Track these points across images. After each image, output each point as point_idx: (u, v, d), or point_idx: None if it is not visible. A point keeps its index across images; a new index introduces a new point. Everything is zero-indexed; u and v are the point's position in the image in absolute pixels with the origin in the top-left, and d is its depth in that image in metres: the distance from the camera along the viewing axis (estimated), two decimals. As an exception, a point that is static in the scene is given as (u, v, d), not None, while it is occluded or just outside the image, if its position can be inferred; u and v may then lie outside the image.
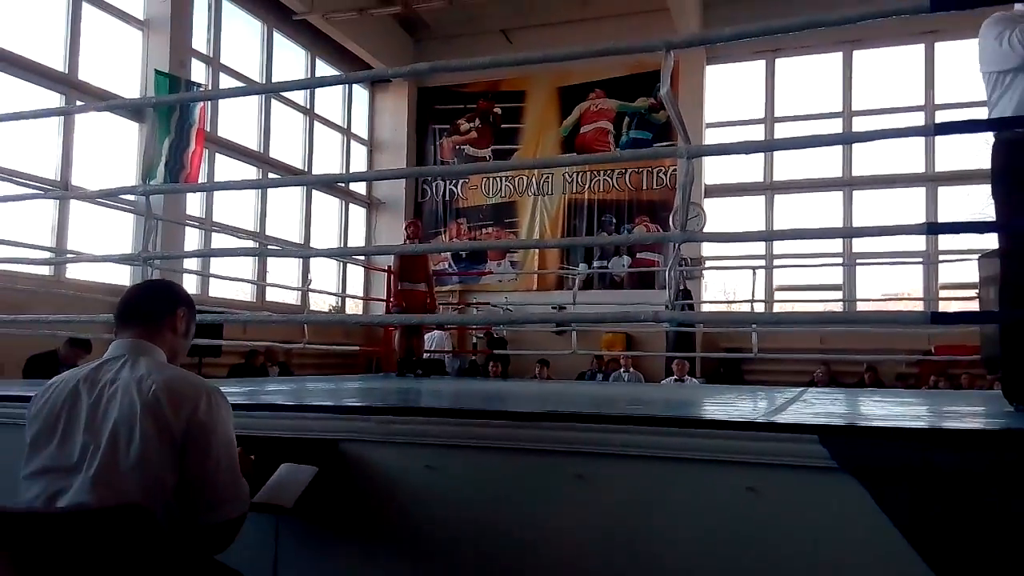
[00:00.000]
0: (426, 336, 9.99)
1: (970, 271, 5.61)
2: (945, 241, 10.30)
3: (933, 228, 2.74)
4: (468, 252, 12.79)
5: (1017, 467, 1.74)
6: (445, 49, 12.57)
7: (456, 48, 12.42)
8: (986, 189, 2.95)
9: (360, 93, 13.26)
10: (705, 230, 10.91)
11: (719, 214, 11.56)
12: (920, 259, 10.00)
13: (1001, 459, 1.76)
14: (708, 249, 11.51)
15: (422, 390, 4.26)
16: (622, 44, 3.10)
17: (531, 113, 12.71)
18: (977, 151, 10.94)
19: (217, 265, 9.35)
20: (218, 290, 9.84)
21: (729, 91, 11.99)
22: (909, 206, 10.89)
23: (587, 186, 12.20)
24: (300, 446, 2.31)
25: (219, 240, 9.98)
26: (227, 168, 10.25)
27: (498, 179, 12.70)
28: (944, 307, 10.13)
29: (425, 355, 10.10)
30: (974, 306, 5.55)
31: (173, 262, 7.53)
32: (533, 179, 12.47)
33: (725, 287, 12.40)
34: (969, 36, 10.96)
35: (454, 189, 13.00)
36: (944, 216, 10.58)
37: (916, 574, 1.75)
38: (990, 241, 5.73)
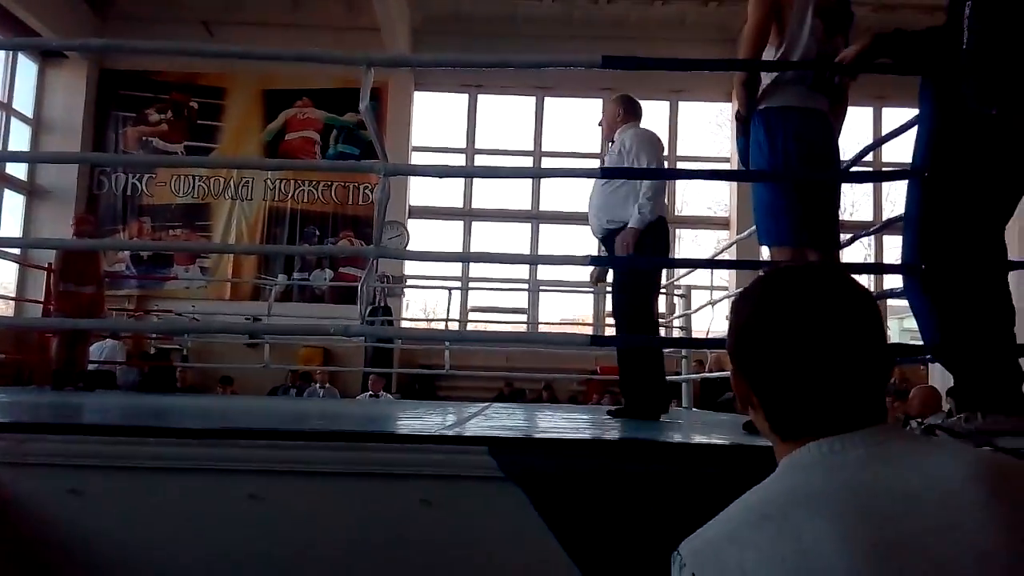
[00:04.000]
0: (95, 345, 8.89)
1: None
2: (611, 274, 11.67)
3: (595, 260, 3.10)
4: (150, 254, 11.64)
5: (654, 473, 2.00)
6: (136, 32, 11.37)
7: (149, 34, 11.27)
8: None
9: (27, 65, 11.47)
10: (407, 249, 11.15)
11: (424, 235, 11.89)
12: (590, 289, 11.17)
13: (644, 466, 2.02)
14: (411, 268, 11.76)
15: (77, 405, 3.78)
16: (326, 53, 3.10)
17: (232, 112, 12.00)
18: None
19: None
20: None
21: (436, 119, 12.43)
22: (582, 242, 12.16)
23: (290, 195, 11.81)
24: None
25: None
26: None
27: (191, 177, 11.75)
28: (610, 332, 11.42)
29: (92, 366, 8.98)
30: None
31: None
32: (231, 181, 11.75)
33: (426, 306, 12.76)
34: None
35: (137, 184, 11.77)
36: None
37: (567, 572, 1.94)
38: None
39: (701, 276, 9.31)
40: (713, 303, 5.94)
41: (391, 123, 11.43)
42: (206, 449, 1.99)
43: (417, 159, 12.07)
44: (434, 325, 12.19)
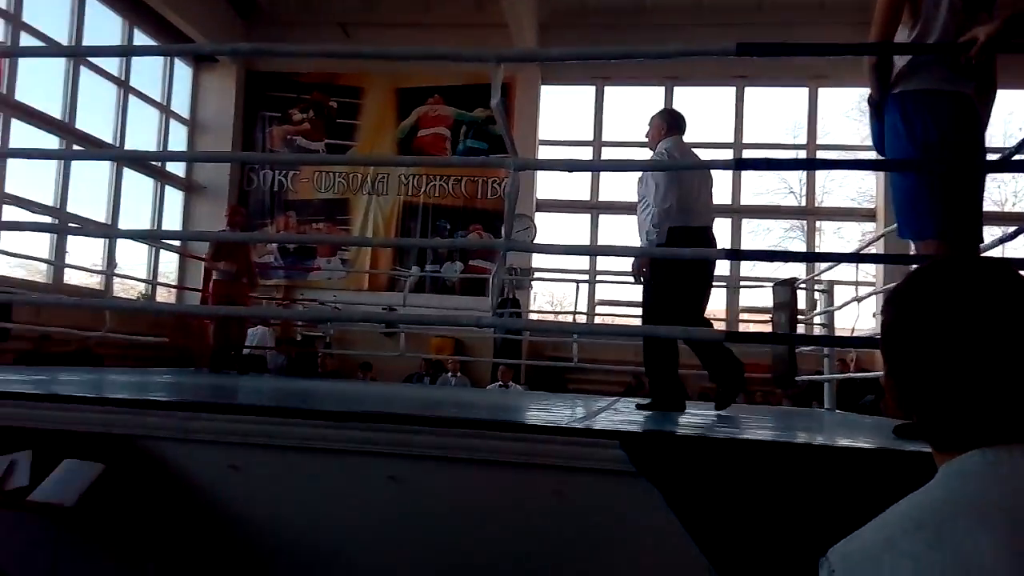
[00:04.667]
0: (249, 331, 9.53)
1: (766, 296, 6.18)
2: (746, 268, 11.27)
3: (733, 254, 2.99)
4: (296, 246, 12.34)
5: (792, 474, 1.93)
6: (279, 35, 12.05)
7: (291, 36, 11.96)
8: (782, 223, 3.41)
9: (183, 70, 12.42)
10: (535, 242, 11.24)
11: (551, 228, 11.95)
12: (724, 283, 10.85)
13: (775, 467, 1.96)
14: (538, 261, 11.85)
15: (233, 386, 4.06)
16: (456, 51, 3.17)
17: (368, 111, 12.50)
18: (778, 190, 12.10)
19: (7, 240, 8.39)
20: (7, 269, 8.85)
21: (562, 112, 12.44)
22: (716, 234, 11.82)
23: (423, 190, 12.18)
24: (88, 441, 2.13)
25: (10, 213, 8.98)
26: (25, 137, 9.23)
27: (331, 174, 12.36)
28: (744, 328, 11.06)
29: (246, 351, 9.64)
30: (768, 329, 6.11)
31: (-50, 235, 6.69)
32: (368, 177, 12.26)
33: (553, 298, 12.82)
34: (774, 84, 12.02)
35: (283, 180, 12.51)
36: (746, 246, 11.58)
37: (698, 568, 1.91)
38: (784, 270, 6.31)
39: (845, 271, 8.84)
40: (859, 299, 5.62)
41: (518, 117, 11.54)
42: (350, 432, 2.10)
43: (544, 153, 12.13)
44: (562, 318, 12.22)
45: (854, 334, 6.05)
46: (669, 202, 3.71)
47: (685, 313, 3.73)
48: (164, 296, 12.11)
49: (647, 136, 4.19)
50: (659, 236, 3.73)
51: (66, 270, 9.75)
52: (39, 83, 9.59)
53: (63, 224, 9.68)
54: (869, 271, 10.41)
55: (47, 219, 9.61)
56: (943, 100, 2.45)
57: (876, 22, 2.52)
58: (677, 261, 3.64)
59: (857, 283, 9.17)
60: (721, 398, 3.93)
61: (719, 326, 11.64)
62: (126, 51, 9.38)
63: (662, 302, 3.78)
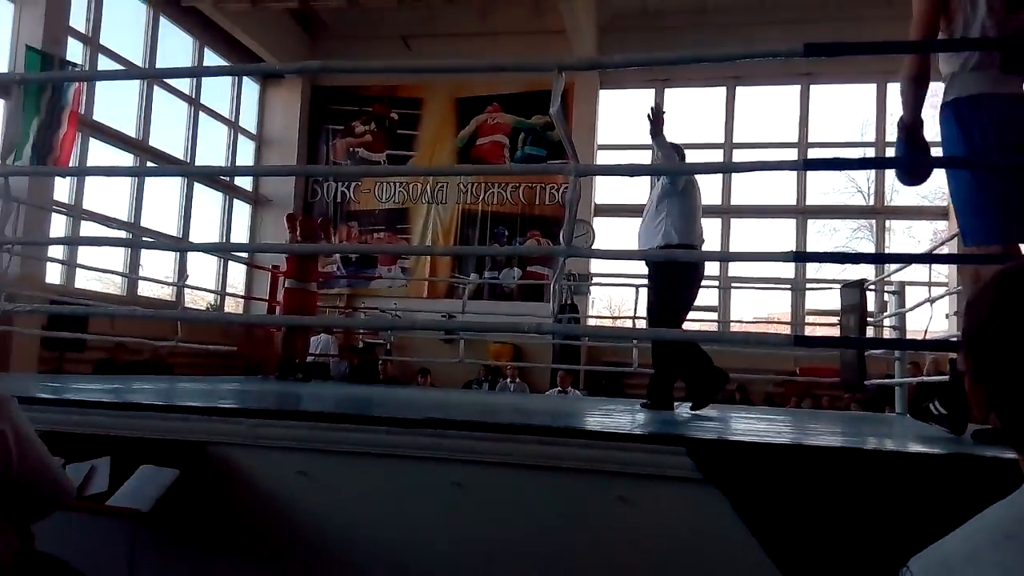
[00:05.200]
0: (312, 339, 9.73)
1: (833, 299, 6.02)
2: (812, 269, 10.98)
3: (799, 256, 2.91)
4: (358, 256, 12.57)
5: (866, 483, 1.87)
6: (342, 50, 12.34)
7: (354, 50, 12.22)
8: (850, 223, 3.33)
9: (250, 87, 12.82)
10: (594, 248, 11.18)
11: (608, 233, 11.87)
12: (789, 286, 10.61)
13: (844, 473, 1.90)
14: (596, 266, 11.79)
15: (299, 393, 4.15)
16: (517, 62, 3.19)
17: (428, 121, 12.66)
18: (845, 189, 11.77)
19: (85, 255, 8.77)
20: (85, 282, 9.25)
21: (621, 116, 12.36)
22: (780, 235, 11.56)
23: (481, 197, 12.27)
24: (163, 448, 2.20)
25: (88, 229, 9.39)
26: (102, 155, 9.66)
27: (392, 184, 12.57)
28: (809, 332, 10.78)
29: (309, 358, 9.84)
30: (837, 331, 5.95)
31: (36, 249, 7.04)
32: (427, 187, 12.41)
33: (611, 303, 12.74)
34: (840, 80, 11.71)
35: (346, 191, 12.76)
36: (811, 248, 11.29)
37: (768, 577, 1.86)
38: (852, 272, 6.14)
39: (916, 271, 8.53)
40: (931, 301, 5.41)
41: (576, 122, 11.52)
42: (417, 438, 2.12)
43: (602, 157, 12.07)
44: (620, 323, 12.12)
45: (927, 336, 5.83)
46: (677, 220, 4.08)
47: (680, 318, 4.18)
48: (232, 306, 12.46)
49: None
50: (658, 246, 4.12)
51: (139, 282, 10.13)
52: (115, 103, 10.01)
53: (137, 238, 10.06)
54: (942, 271, 10.03)
55: (123, 233, 10.01)
56: (997, 103, 2.36)
57: (915, 27, 2.45)
58: (682, 273, 4.03)
59: (930, 283, 8.85)
60: (699, 398, 4.17)
61: (785, 329, 11.39)
62: (197, 72, 9.72)
63: (669, 308, 4.12)
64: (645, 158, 12.15)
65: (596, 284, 11.68)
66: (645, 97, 12.18)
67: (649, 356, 4.41)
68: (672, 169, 4.07)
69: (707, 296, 11.17)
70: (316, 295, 7.06)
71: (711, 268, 11.12)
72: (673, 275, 4.02)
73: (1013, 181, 2.32)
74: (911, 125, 2.50)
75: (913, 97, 2.47)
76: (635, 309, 9.57)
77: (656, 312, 4.27)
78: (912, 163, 2.58)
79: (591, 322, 11.73)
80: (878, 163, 9.89)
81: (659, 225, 4.14)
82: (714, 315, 11.02)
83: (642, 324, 10.28)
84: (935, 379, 6.82)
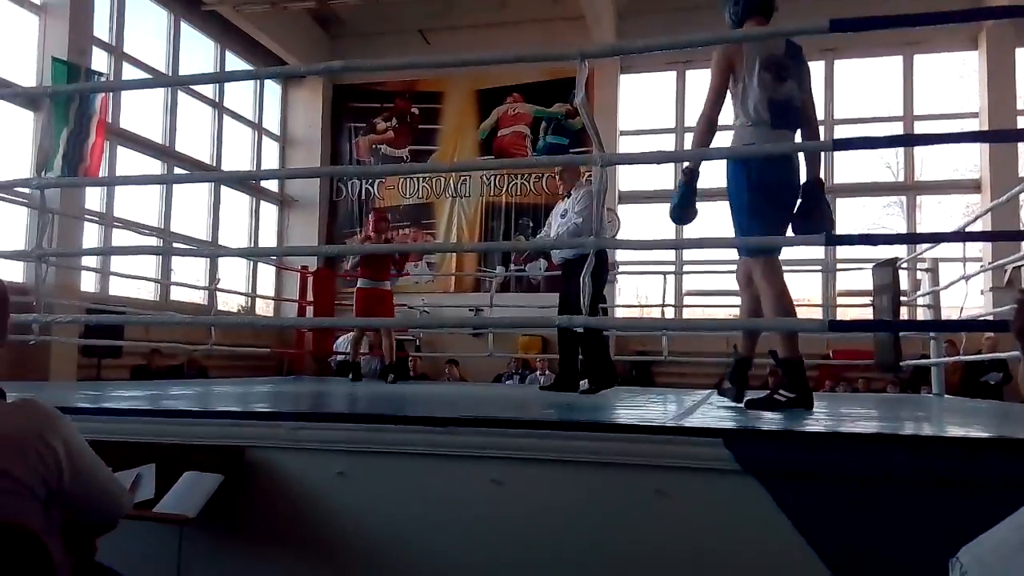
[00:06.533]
0: (342, 337, 9.80)
1: (865, 279, 5.93)
2: (842, 250, 10.83)
3: (831, 239, 2.89)
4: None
5: (911, 470, 1.84)
6: (361, 46, 12.38)
7: (373, 46, 12.25)
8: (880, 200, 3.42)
9: (272, 88, 12.91)
10: (619, 236, 11.11)
11: (633, 220, 11.79)
12: (819, 267, 10.47)
13: (894, 460, 1.87)
14: (622, 255, 11.72)
15: (337, 394, 4.19)
16: (538, 52, 3.23)
17: (449, 114, 12.66)
18: (873, 165, 11.58)
19: (118, 263, 8.93)
20: (119, 288, 9.40)
21: (643, 100, 12.26)
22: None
23: (504, 189, 12.26)
24: (205, 453, 2.23)
25: (120, 236, 9.54)
26: (130, 161, 9.80)
27: (416, 180, 12.60)
28: (841, 313, 10.63)
29: (341, 357, 9.92)
30: (869, 312, 5.86)
31: (70, 259, 7.16)
32: (451, 181, 12.43)
33: (638, 291, 12.66)
34: (866, 55, 11.47)
35: (370, 188, 12.83)
36: (841, 227, 11.12)
37: (814, 572, 1.84)
38: (883, 250, 6.06)
39: (950, 248, 8.36)
40: (966, 278, 5.31)
41: (598, 109, 11.42)
42: (452, 436, 2.13)
43: (624, 143, 11.98)
44: (647, 312, 12.05)
45: (963, 315, 5.73)
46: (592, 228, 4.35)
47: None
48: (262, 308, 12.60)
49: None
50: (573, 253, 4.91)
51: (172, 286, 10.28)
52: (141, 110, 10.13)
53: (169, 245, 10.21)
54: (976, 247, 9.84)
55: (154, 239, 10.15)
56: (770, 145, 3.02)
57: (708, 102, 3.14)
58: (602, 264, 4.59)
59: (965, 259, 8.68)
60: (600, 381, 4.67)
61: (815, 312, 11.27)
62: (219, 78, 9.83)
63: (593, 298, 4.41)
64: (668, 143, 12.10)
65: (623, 272, 11.61)
66: (667, 79, 12.07)
67: (681, 344, 4.56)
68: (700, 155, 4.02)
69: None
70: (391, 293, 6.92)
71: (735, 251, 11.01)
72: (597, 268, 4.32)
73: (772, 211, 3.03)
74: (694, 171, 3.16)
75: (699, 147, 3.17)
76: (663, 297, 9.53)
77: (572, 301, 4.69)
78: (687, 203, 3.23)
79: (619, 312, 11.67)
80: (908, 140, 9.72)
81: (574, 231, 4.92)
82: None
83: (670, 313, 10.27)
84: (973, 358, 6.72)
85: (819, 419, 2.78)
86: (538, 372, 9.97)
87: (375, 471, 2.19)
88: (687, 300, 10.42)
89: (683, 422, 2.41)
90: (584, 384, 4.91)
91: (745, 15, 3.12)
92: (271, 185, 12.79)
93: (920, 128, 10.92)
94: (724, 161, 3.22)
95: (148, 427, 2.37)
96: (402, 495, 2.15)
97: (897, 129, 11.01)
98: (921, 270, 6.02)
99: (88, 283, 8.99)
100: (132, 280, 9.43)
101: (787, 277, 3.22)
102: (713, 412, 2.98)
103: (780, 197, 3.06)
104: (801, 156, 3.14)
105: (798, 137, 3.18)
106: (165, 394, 3.64)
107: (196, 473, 2.13)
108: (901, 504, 1.81)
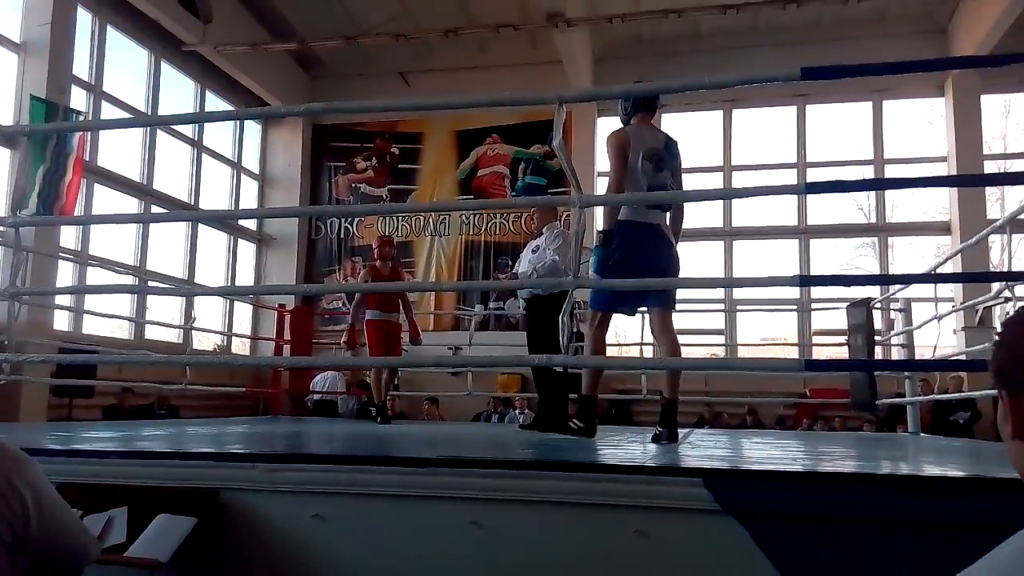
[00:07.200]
0: (319, 376, 9.70)
1: (840, 318, 6.00)
2: (816, 289, 10.98)
3: (805, 281, 2.93)
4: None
5: (886, 507, 1.86)
6: (342, 87, 12.50)
7: (353, 87, 12.37)
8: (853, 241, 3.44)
9: (252, 127, 12.95)
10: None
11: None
12: (794, 306, 10.59)
13: (873, 500, 1.88)
14: (600, 293, 11.77)
15: (312, 435, 4.14)
16: (517, 95, 3.34)
17: (428, 154, 12.76)
18: (845, 208, 11.80)
19: (92, 301, 8.82)
20: (93, 327, 9.27)
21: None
22: (784, 255, 11.57)
23: (484, 228, 12.33)
24: (178, 496, 2.19)
25: (95, 274, 9.43)
26: (107, 200, 9.74)
27: (395, 219, 12.64)
28: (816, 351, 10.73)
29: (317, 396, 9.81)
30: (845, 351, 5.92)
31: (44, 297, 7.06)
32: (430, 220, 12.48)
33: (616, 330, 12.69)
34: (837, 100, 11.79)
35: (349, 227, 12.83)
36: (815, 267, 11.29)
37: (792, 611, 1.83)
38: (857, 290, 6.15)
39: (922, 288, 8.51)
40: (939, 317, 5.40)
41: (576, 151, 11.59)
42: (431, 478, 2.11)
43: (602, 184, 12.11)
44: (627, 350, 12.08)
45: (936, 354, 5.81)
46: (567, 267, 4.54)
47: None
48: (239, 347, 12.46)
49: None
50: (545, 289, 5.13)
51: (147, 325, 10.15)
52: (119, 148, 10.11)
53: (144, 284, 10.10)
54: (948, 287, 10.02)
55: (129, 278, 10.04)
56: (634, 227, 3.64)
57: (611, 180, 3.70)
58: (557, 309, 4.46)
59: (936, 299, 8.83)
60: (550, 423, 4.69)
61: (792, 351, 11.36)
62: (199, 118, 9.85)
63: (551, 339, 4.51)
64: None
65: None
66: (643, 124, 12.24)
67: (660, 382, 4.59)
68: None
69: (714, 319, 11.15)
70: (401, 326, 6.65)
71: (719, 292, 11.12)
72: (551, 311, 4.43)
73: (624, 276, 3.48)
74: (608, 232, 3.65)
75: (611, 213, 3.68)
76: (641, 336, 9.56)
77: (540, 341, 5.14)
78: (609, 260, 3.63)
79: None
80: (877, 184, 9.94)
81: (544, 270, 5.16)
82: (721, 339, 11.00)
83: (649, 352, 10.29)
84: (947, 397, 6.79)
85: (797, 459, 2.79)
86: (517, 411, 9.92)
87: (353, 513, 2.16)
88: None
89: (662, 462, 2.41)
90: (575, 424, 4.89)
91: (634, 112, 3.92)
92: (249, 223, 12.75)
93: (890, 172, 11.16)
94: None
95: (120, 469, 2.32)
96: (380, 537, 2.12)
97: (868, 172, 11.25)
98: (894, 310, 6.12)
99: (62, 321, 8.86)
100: (106, 319, 9.29)
101: (763, 316, 3.29)
102: (691, 451, 2.98)
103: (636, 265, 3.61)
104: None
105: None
106: (138, 435, 3.58)
107: (169, 516, 2.09)
108: (880, 543, 1.82)
